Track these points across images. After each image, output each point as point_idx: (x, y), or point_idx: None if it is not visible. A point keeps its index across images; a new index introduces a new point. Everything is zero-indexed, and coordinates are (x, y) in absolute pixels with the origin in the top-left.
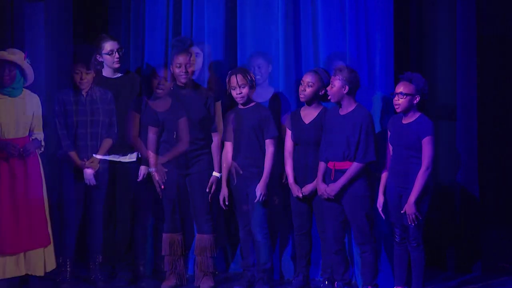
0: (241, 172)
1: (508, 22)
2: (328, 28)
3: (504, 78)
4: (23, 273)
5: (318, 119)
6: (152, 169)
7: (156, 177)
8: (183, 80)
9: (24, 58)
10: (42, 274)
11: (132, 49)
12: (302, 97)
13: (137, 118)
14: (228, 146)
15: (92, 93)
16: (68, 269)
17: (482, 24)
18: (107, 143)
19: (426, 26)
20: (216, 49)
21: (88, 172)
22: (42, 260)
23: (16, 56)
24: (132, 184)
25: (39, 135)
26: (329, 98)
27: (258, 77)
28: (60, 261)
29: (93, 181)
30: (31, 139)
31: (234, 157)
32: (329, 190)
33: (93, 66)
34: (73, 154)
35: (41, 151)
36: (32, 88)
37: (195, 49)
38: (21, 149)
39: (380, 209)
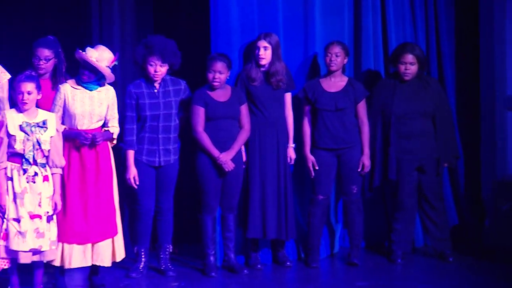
0: None
1: None
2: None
3: None
4: (89, 264)
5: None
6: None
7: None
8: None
9: (114, 61)
10: (109, 264)
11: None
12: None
13: (202, 111)
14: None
15: (165, 85)
16: (143, 259)
17: None
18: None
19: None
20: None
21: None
22: (110, 250)
23: (101, 56)
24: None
25: (113, 129)
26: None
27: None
28: (135, 251)
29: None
30: (102, 130)
31: None
32: None
33: (168, 59)
34: (131, 153)
35: (112, 144)
36: None
37: (262, 43)
38: (93, 138)
39: None
